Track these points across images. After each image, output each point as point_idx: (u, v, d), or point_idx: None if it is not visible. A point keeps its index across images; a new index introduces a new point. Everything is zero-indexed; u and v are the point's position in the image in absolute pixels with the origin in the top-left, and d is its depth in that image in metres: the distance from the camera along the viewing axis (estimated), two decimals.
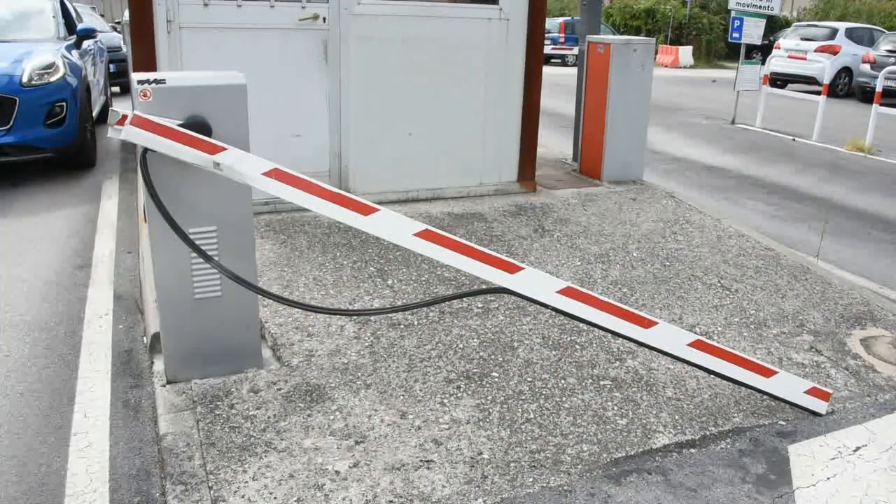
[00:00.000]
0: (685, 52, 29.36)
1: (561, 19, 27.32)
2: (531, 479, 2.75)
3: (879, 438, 3.14)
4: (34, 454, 2.96)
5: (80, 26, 8.70)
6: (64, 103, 7.04)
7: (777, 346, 3.94)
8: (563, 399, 3.29)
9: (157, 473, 2.84)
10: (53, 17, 8.34)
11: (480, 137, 6.18)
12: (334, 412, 3.10)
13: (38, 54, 7.13)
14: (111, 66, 12.12)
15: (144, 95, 2.86)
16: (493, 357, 3.63)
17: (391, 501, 2.59)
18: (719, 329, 4.09)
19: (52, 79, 6.99)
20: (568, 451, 2.92)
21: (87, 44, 8.76)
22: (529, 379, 3.44)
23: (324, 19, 5.43)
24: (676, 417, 3.20)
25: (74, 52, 7.90)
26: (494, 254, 2.98)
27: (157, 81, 2.89)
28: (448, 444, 2.92)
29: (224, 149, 2.85)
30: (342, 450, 2.86)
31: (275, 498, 2.57)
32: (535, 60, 6.21)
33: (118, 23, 13.42)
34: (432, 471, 2.76)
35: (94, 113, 8.53)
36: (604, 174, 6.93)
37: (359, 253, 4.81)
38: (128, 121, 2.82)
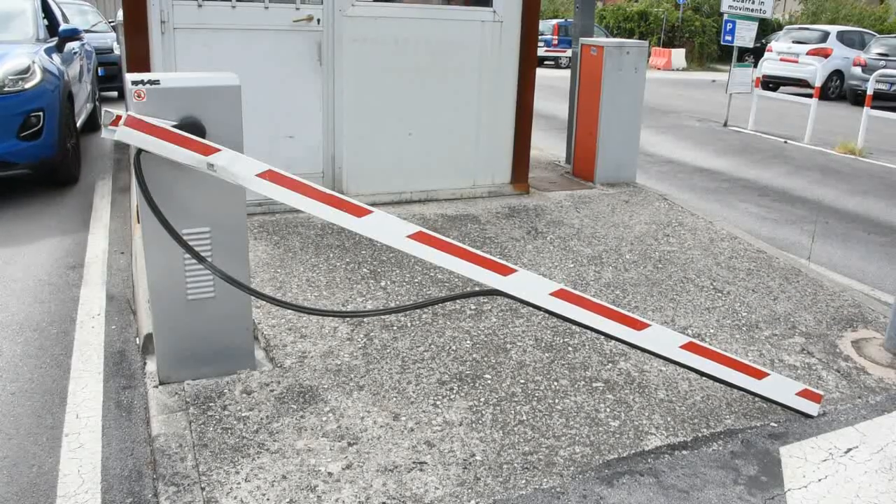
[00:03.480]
0: (678, 55, 29.45)
1: (554, 21, 27.35)
2: (524, 481, 2.75)
3: (870, 440, 3.16)
4: (26, 455, 2.95)
5: (62, 27, 7.85)
6: (41, 113, 6.27)
7: (769, 348, 3.96)
8: (556, 401, 3.30)
9: (150, 474, 2.83)
10: (33, 17, 7.47)
11: (474, 139, 6.19)
12: (327, 414, 3.10)
13: (11, 58, 6.35)
14: (99, 69, 11.63)
15: (139, 96, 2.86)
16: (485, 359, 3.63)
17: (384, 503, 2.59)
18: (711, 331, 4.11)
19: (28, 85, 6.22)
20: (560, 453, 2.93)
21: (71, 46, 8.08)
22: (522, 381, 3.45)
23: (318, 21, 5.43)
24: (668, 419, 3.21)
25: (56, 55, 7.17)
26: (487, 256, 2.98)
27: (151, 82, 2.89)
28: (441, 446, 2.93)
29: (218, 150, 2.85)
30: (335, 451, 2.86)
31: (267, 499, 2.57)
32: (529, 62, 6.23)
33: (111, 22, 13.31)
34: (425, 472, 2.77)
35: (80, 122, 7.87)
36: (597, 176, 6.95)
37: (352, 254, 4.81)
38: (122, 121, 2.81)
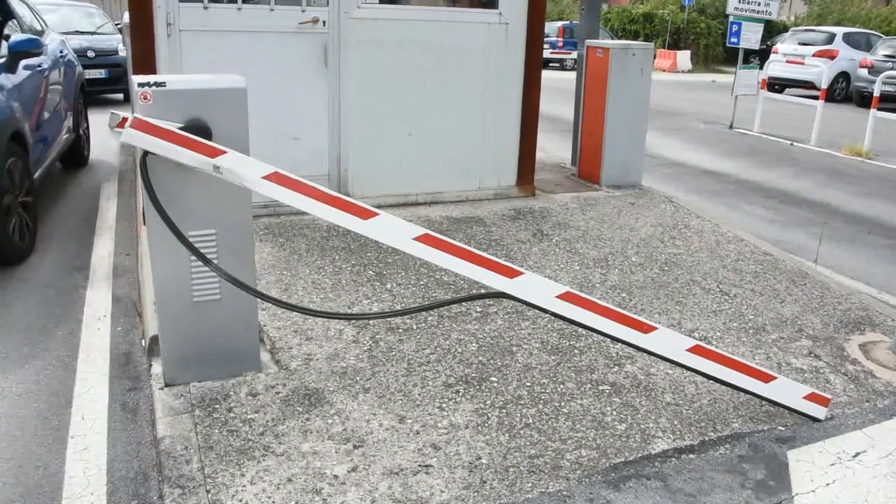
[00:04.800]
0: (683, 57, 29.42)
1: (559, 23, 27.35)
2: (530, 485, 2.74)
3: (879, 444, 3.14)
4: (31, 456, 2.95)
5: (12, 39, 5.58)
6: None
7: (776, 352, 3.94)
8: (562, 404, 3.29)
9: (155, 477, 2.83)
10: None
11: (479, 141, 6.18)
12: (333, 416, 3.09)
13: None
14: (103, 71, 11.50)
15: (145, 98, 2.86)
16: (491, 361, 3.62)
17: None
18: (718, 334, 4.09)
19: None
20: (567, 457, 2.92)
21: (33, 63, 5.96)
22: (528, 384, 3.44)
23: (324, 23, 5.43)
24: (675, 423, 3.20)
25: (3, 77, 5.20)
26: (493, 258, 2.98)
27: (157, 84, 2.89)
28: (447, 449, 2.92)
29: (224, 152, 2.84)
30: (340, 454, 2.85)
31: (273, 502, 2.56)
32: (535, 65, 6.22)
33: (117, 24, 13.33)
34: (431, 475, 2.76)
35: (45, 165, 5.85)
36: (602, 179, 6.93)
37: (357, 257, 4.81)
38: (128, 123, 2.81)
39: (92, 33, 12.24)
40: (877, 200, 8.14)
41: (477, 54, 5.98)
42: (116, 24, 13.38)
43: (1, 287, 4.58)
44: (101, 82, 11.68)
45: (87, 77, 11.32)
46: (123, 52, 11.86)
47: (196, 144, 2.83)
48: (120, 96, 12.67)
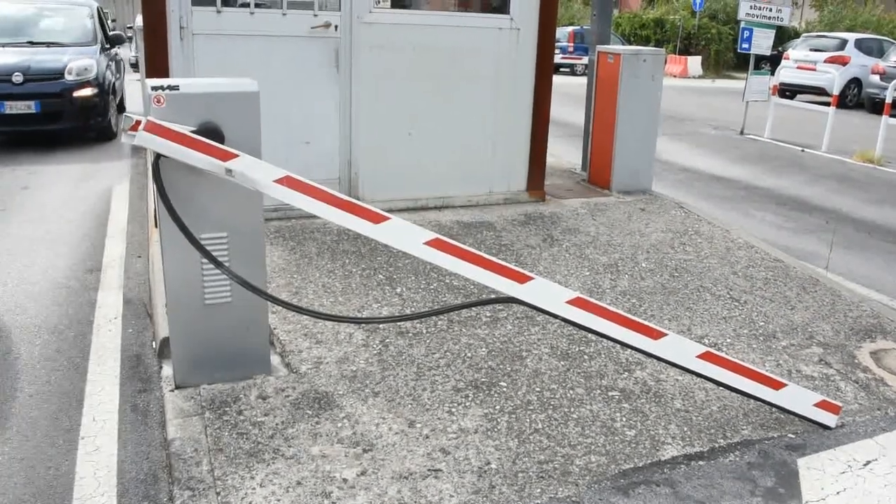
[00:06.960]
0: (694, 62, 29.34)
1: (570, 29, 27.34)
2: (539, 490, 2.74)
3: (890, 452, 3.12)
4: (42, 457, 2.97)
5: None
6: None
7: (786, 359, 3.92)
8: (572, 409, 3.28)
9: (165, 478, 2.84)
10: None
11: (490, 146, 6.19)
12: (342, 420, 3.10)
13: None
14: (33, 103, 8.25)
15: (158, 101, 2.88)
16: (501, 366, 3.62)
17: None
18: (728, 341, 4.08)
19: None
20: (576, 462, 2.92)
21: None
22: (538, 389, 3.44)
23: (335, 27, 5.45)
24: (685, 429, 3.19)
25: None
26: (504, 263, 2.98)
27: (170, 88, 2.91)
28: (456, 454, 2.92)
29: (236, 155, 2.86)
30: (350, 458, 2.86)
31: None
32: (546, 70, 6.22)
33: (130, 28, 13.26)
34: (440, 480, 2.76)
35: None
36: (613, 184, 6.92)
37: (368, 260, 4.82)
38: (141, 127, 2.83)
39: (36, 44, 9.03)
40: (888, 207, 8.10)
41: (488, 59, 5.99)
42: (128, 27, 13.23)
43: (13, 288, 4.61)
44: (29, 120, 8.42)
45: (8, 112, 8.22)
46: (84, 73, 8.81)
47: (208, 148, 2.85)
48: (100, 135, 8.97)
